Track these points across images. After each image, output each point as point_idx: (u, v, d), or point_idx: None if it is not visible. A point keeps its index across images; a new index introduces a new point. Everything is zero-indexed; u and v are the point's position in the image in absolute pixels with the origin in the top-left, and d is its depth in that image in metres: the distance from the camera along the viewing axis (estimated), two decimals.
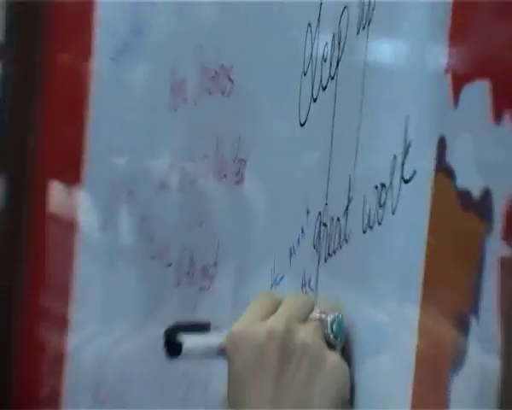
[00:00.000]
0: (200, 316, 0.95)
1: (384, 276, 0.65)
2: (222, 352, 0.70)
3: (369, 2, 0.68)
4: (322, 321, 0.71)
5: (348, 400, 0.68)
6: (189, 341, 0.73)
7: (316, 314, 0.71)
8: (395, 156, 0.64)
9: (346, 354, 0.70)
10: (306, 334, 0.70)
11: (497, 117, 0.48)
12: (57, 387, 1.50)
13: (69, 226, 1.51)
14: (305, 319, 0.71)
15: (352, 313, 0.70)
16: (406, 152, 0.63)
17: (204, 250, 1.05)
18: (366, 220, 0.68)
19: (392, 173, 0.64)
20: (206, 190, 1.06)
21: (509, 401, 0.54)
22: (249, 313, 0.73)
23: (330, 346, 0.69)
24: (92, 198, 1.44)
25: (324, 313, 0.71)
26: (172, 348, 0.72)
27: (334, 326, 0.71)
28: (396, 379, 0.62)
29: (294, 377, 0.69)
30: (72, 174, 1.51)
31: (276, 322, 0.71)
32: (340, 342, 0.70)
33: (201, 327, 0.76)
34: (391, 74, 0.68)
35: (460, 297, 0.58)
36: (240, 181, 0.96)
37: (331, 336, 0.70)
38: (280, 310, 0.73)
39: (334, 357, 0.69)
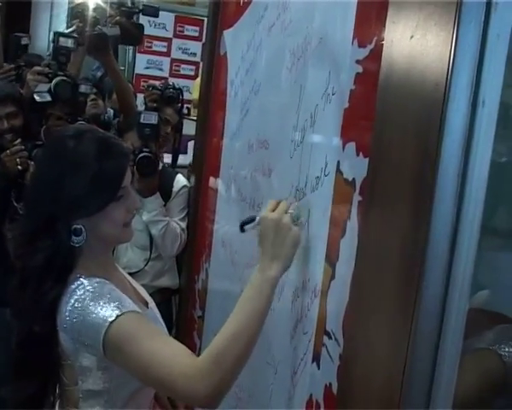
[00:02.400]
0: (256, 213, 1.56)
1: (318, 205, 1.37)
2: (259, 225, 1.32)
3: None
4: (291, 213, 1.31)
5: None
6: (247, 226, 1.37)
7: (290, 210, 1.32)
8: (322, 168, 1.35)
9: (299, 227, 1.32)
10: (286, 219, 1.29)
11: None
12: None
13: (215, 191, 2.41)
14: (285, 212, 1.31)
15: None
16: (326, 165, 1.34)
17: (257, 198, 1.84)
18: (313, 187, 1.38)
19: (322, 172, 1.36)
20: (259, 181, 1.84)
21: (362, 254, 1.12)
22: (267, 209, 1.33)
23: (293, 224, 1.30)
24: (222, 182, 2.33)
25: (292, 209, 1.33)
26: (241, 229, 1.37)
27: (295, 216, 1.32)
28: (319, 235, 1.33)
29: (280, 239, 1.27)
30: (215, 173, 2.40)
31: (276, 214, 1.30)
32: (296, 222, 1.32)
33: (253, 219, 1.36)
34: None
35: (345, 212, 1.21)
36: (269, 175, 1.74)
37: (294, 220, 1.31)
38: (278, 208, 1.32)
39: (295, 228, 1.30)
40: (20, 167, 2.50)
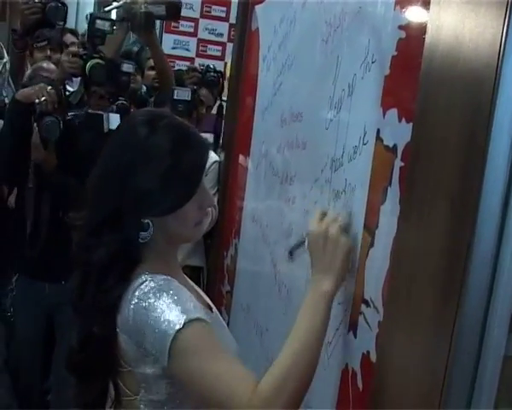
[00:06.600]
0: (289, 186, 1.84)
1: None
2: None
3: None
4: (340, 224, 1.26)
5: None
6: (295, 252, 1.35)
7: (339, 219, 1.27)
8: (360, 137, 1.31)
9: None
10: (333, 229, 1.24)
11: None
12: None
13: (245, 167, 2.45)
14: (334, 222, 1.25)
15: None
16: (364, 134, 1.30)
17: (289, 172, 1.85)
18: (350, 156, 1.37)
19: (360, 141, 1.32)
20: (291, 154, 1.87)
21: (405, 219, 1.08)
22: (313, 221, 1.28)
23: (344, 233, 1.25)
24: (253, 157, 2.34)
25: (342, 220, 1.27)
26: (290, 255, 1.36)
27: (344, 225, 1.27)
28: (357, 204, 1.31)
29: (329, 252, 1.23)
30: (246, 149, 2.41)
31: (323, 225, 1.25)
32: (347, 232, 1.27)
33: (302, 241, 1.31)
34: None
35: (386, 179, 1.17)
36: (303, 147, 1.76)
37: (343, 229, 1.26)
38: (326, 219, 1.27)
39: (344, 238, 1.25)
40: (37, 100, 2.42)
